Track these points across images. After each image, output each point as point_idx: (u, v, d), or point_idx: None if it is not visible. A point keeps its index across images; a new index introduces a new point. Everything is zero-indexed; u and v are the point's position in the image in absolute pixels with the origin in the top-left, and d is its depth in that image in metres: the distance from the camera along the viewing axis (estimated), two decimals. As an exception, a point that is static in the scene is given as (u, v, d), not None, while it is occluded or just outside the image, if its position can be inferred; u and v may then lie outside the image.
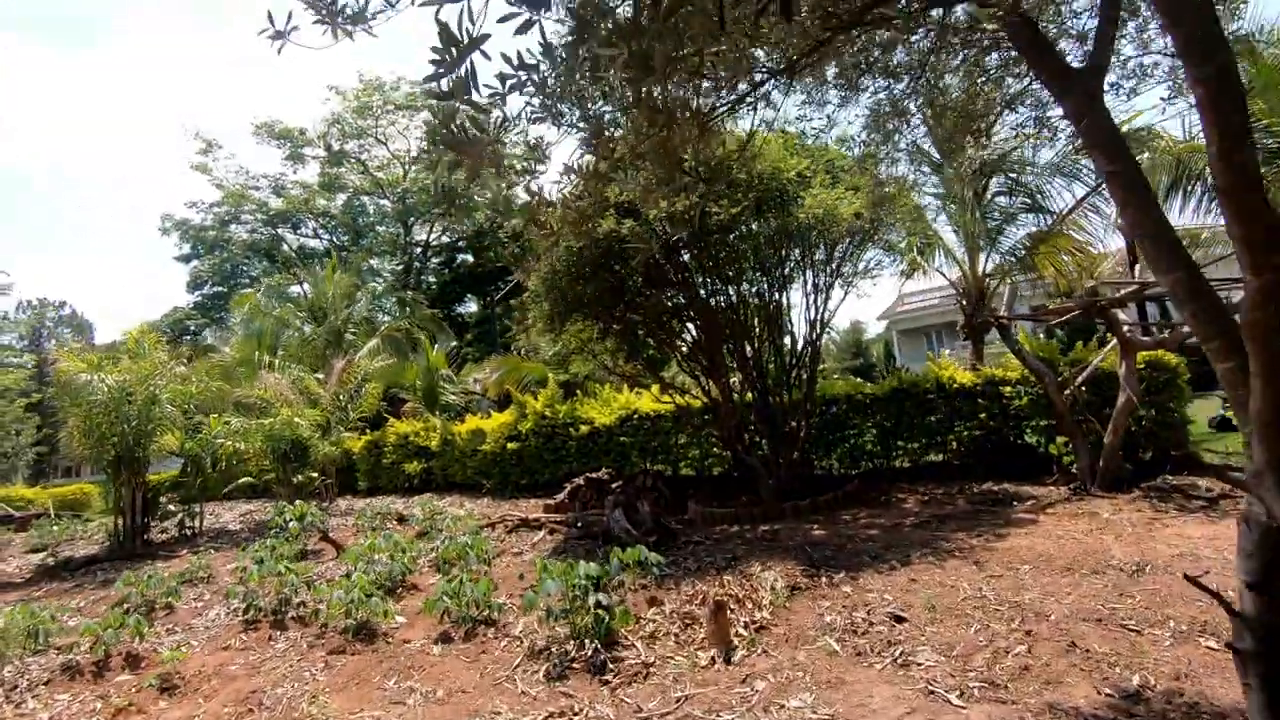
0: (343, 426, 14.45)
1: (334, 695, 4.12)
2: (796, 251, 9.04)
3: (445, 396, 17.18)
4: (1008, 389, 8.82)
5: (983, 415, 8.98)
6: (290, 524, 9.19)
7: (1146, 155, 8.61)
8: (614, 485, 9.39)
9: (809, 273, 9.24)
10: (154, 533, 10.95)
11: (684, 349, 10.05)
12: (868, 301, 59.69)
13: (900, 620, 4.18)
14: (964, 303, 10.81)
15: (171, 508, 10.93)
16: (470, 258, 35.44)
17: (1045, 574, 4.73)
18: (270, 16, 2.50)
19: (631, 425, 11.77)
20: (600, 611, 4.20)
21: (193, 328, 31.69)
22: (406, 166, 33.25)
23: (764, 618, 4.46)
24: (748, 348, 9.43)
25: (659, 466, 11.93)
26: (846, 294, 9.67)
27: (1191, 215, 8.93)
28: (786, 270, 9.22)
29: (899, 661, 3.65)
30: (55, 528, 12.44)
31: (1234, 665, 2.18)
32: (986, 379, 9.07)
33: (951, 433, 9.38)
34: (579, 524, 8.33)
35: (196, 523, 11.49)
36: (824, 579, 5.17)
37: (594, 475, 10.42)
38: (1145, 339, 7.36)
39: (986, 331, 10.70)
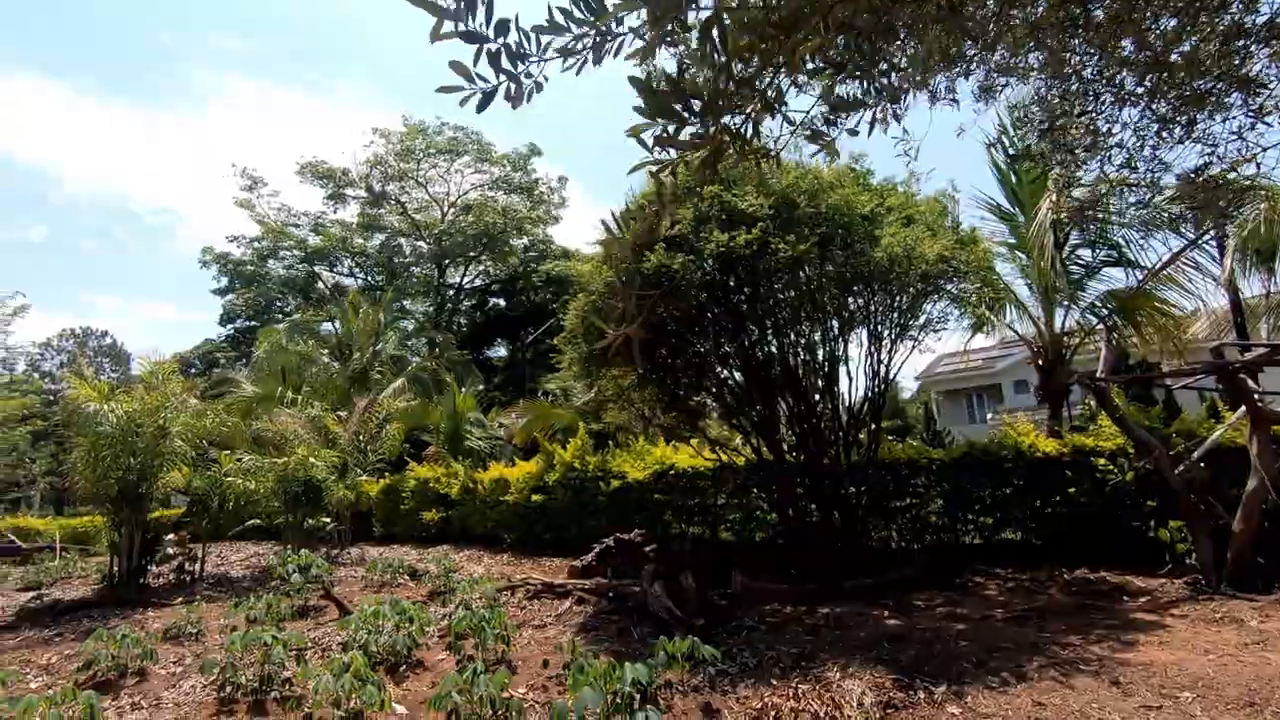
0: (361, 469, 13.72)
1: (305, 826, 3.21)
2: (860, 300, 8.23)
3: (470, 441, 16.42)
4: (1101, 461, 7.75)
5: (1071, 490, 7.90)
6: (293, 576, 8.38)
7: (1265, 207, 7.63)
8: (647, 549, 8.45)
9: (871, 323, 8.41)
10: (150, 576, 10.19)
11: (730, 401, 9.18)
12: (908, 360, 58.28)
13: (1046, 769, 3.17)
14: (1040, 363, 9.82)
15: (171, 551, 10.18)
16: (502, 302, 35.26)
17: (1219, 709, 3.67)
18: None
19: (667, 482, 10.84)
20: (650, 733, 3.26)
21: (222, 361, 31.68)
22: (445, 209, 33.46)
23: (856, 748, 3.48)
24: (801, 403, 8.54)
25: (695, 529, 10.96)
26: (914, 348, 8.79)
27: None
28: (847, 317, 8.39)
29: (1065, 842, 2.64)
30: (53, 564, 11.77)
31: None
32: (1075, 448, 8.02)
33: (1032, 508, 8.29)
34: (611, 594, 7.37)
35: (197, 567, 10.73)
36: (921, 693, 4.15)
37: (625, 537, 9.43)
38: (1279, 410, 6.31)
39: (1067, 395, 9.68)
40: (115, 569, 9.58)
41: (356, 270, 34.82)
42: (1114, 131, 2.50)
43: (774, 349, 8.51)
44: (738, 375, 9.12)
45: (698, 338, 8.29)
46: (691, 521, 10.91)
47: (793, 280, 7.67)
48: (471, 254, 32.72)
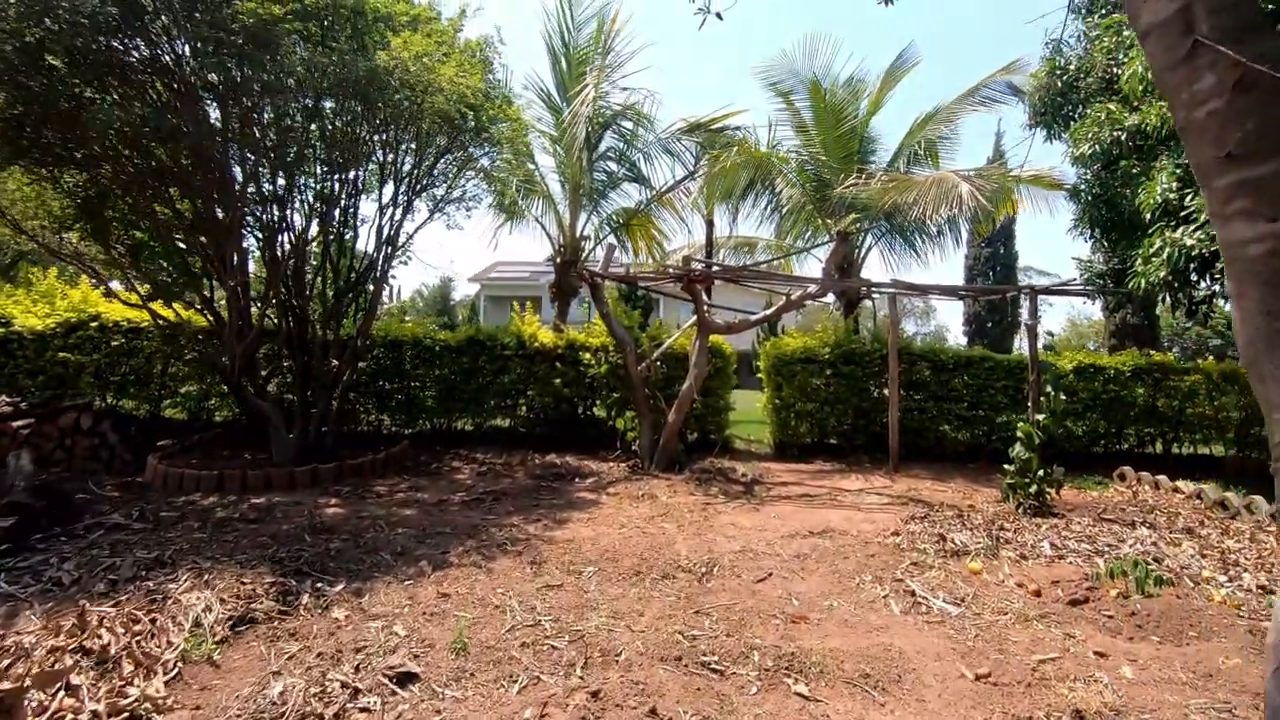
0: None
1: None
2: (388, 151, 6.86)
3: None
4: (587, 355, 8.18)
5: (558, 380, 8.17)
6: None
7: (735, 152, 8.85)
8: (20, 425, 5.78)
9: (394, 177, 7.13)
10: None
11: (184, 236, 6.83)
12: (462, 262, 59.10)
13: (409, 680, 2.54)
14: (557, 261, 10.03)
15: None
16: None
17: (613, 580, 3.68)
18: None
19: (89, 338, 7.87)
20: None
21: None
22: None
23: (153, 695, 2.33)
24: (286, 252, 6.82)
25: (131, 404, 8.32)
26: (433, 216, 7.85)
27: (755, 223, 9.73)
28: (372, 168, 6.97)
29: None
30: None
31: None
32: (569, 342, 8.30)
33: (524, 396, 8.38)
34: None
35: None
36: (307, 596, 3.24)
37: (-16, 406, 6.39)
38: (718, 321, 7.35)
39: (574, 296, 10.13)
40: None
41: None
42: None
43: (268, 188, 6.55)
44: (212, 207, 6.79)
45: (148, 139, 5.71)
46: (125, 394, 8.23)
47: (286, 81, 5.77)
48: None
